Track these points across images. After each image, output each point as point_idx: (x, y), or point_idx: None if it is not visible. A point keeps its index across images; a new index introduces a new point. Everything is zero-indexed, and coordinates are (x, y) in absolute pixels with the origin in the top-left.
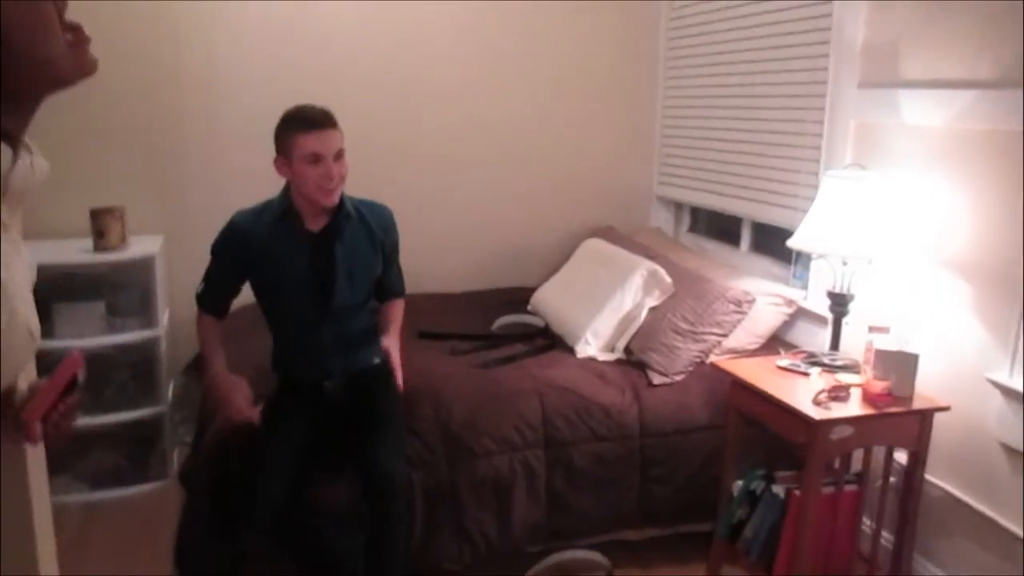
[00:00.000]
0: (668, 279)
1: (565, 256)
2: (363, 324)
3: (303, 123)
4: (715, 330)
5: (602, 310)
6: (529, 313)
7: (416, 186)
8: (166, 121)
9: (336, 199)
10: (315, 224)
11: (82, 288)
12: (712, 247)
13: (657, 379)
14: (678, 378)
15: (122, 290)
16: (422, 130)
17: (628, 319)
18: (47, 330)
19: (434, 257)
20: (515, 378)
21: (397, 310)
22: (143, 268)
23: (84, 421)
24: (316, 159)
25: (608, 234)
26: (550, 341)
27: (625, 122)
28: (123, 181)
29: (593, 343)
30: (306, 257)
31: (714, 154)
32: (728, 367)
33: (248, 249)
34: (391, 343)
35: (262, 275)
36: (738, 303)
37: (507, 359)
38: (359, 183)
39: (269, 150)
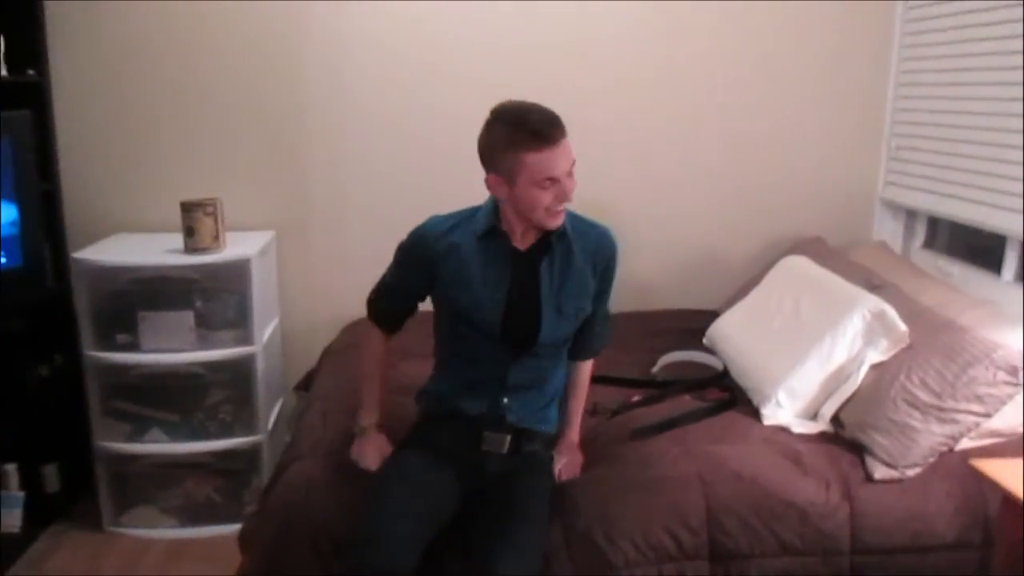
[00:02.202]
0: (902, 325)
1: (758, 275)
2: (554, 376)
3: (534, 139)
4: (973, 407)
5: (803, 361)
6: (704, 349)
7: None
8: (287, 109)
9: (561, 221)
10: (523, 242)
11: (171, 294)
12: (959, 272)
13: (880, 471)
14: (911, 472)
15: (215, 297)
16: (587, 113)
17: (839, 377)
18: (132, 341)
19: None
20: (673, 456)
21: (586, 381)
22: (238, 273)
23: (172, 448)
24: (551, 184)
25: (816, 249)
26: (730, 396)
27: (843, 104)
28: (232, 169)
29: (787, 406)
30: (509, 280)
31: (965, 147)
32: (994, 472)
33: (443, 262)
34: (567, 443)
35: (454, 296)
36: (1012, 370)
37: (665, 425)
38: None
39: (397, 141)
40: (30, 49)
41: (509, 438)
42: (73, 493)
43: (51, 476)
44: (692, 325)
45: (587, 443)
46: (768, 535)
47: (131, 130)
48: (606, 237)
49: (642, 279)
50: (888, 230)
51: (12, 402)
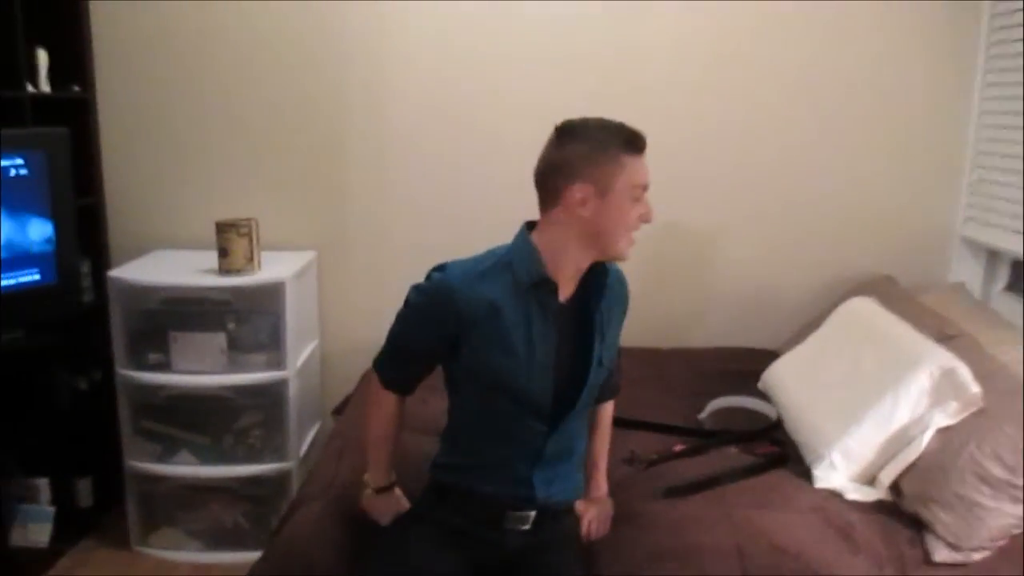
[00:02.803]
0: (974, 386)
1: (821, 315)
2: (584, 436)
3: (632, 143)
4: None
5: (861, 420)
6: (758, 395)
7: None
8: (330, 126)
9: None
10: (565, 291)
11: (204, 315)
12: None
13: (942, 553)
14: (976, 556)
15: (248, 320)
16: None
17: (901, 440)
18: (164, 361)
19: (636, 296)
20: (710, 521)
21: (607, 425)
22: (271, 295)
23: (200, 471)
24: (641, 195)
25: (885, 290)
26: (780, 451)
27: (919, 131)
28: (276, 188)
29: (842, 468)
30: (556, 341)
31: None
32: None
33: (475, 322)
34: (594, 496)
35: (492, 364)
36: None
37: (704, 483)
38: None
39: (440, 160)
40: (75, 65)
41: (534, 514)
42: (105, 509)
43: (85, 491)
44: (747, 367)
45: (618, 496)
46: None
47: (175, 146)
48: (621, 273)
49: (692, 312)
50: (967, 271)
51: (47, 416)
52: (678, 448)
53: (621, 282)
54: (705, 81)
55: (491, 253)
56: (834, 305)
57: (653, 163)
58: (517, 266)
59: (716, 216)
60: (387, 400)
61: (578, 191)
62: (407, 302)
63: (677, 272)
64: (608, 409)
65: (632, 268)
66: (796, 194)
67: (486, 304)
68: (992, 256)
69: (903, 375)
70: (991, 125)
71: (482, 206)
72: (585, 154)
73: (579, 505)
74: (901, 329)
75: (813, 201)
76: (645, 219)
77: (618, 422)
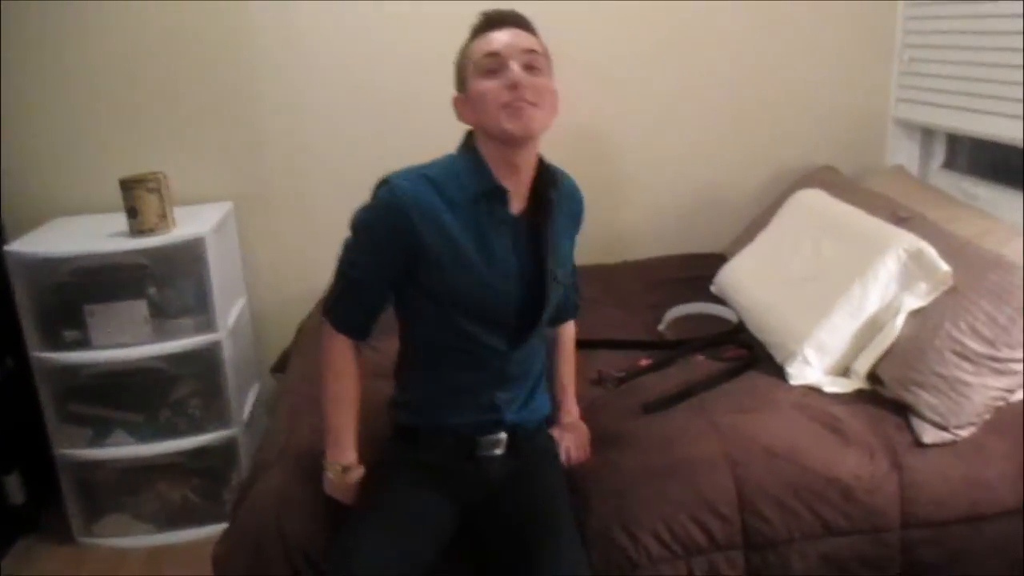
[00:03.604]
0: (943, 265)
1: (766, 212)
2: (543, 354)
3: (477, 27)
4: None
5: (830, 311)
6: (713, 299)
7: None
8: (239, 68)
9: (530, 125)
10: (516, 204)
11: (120, 283)
12: (986, 194)
13: (930, 434)
14: (965, 432)
15: (169, 283)
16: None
17: (874, 327)
18: (81, 338)
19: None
20: (694, 432)
21: (570, 345)
22: (192, 253)
23: (138, 451)
24: (495, 64)
25: (829, 180)
26: (750, 354)
27: (847, 14)
28: (183, 140)
29: (816, 363)
30: (513, 253)
31: (987, 55)
32: None
33: (425, 237)
34: (566, 420)
35: (449, 281)
36: None
37: (682, 395)
38: None
39: (360, 95)
40: None
41: (505, 436)
42: (40, 504)
43: (14, 487)
44: (697, 272)
45: (592, 418)
46: (809, 516)
47: (69, 101)
48: (575, 186)
49: (636, 224)
50: (904, 152)
51: None
52: (645, 363)
53: (573, 196)
54: None
55: (435, 163)
56: (778, 201)
57: (586, 69)
58: (465, 175)
59: (653, 121)
60: (342, 348)
61: (456, 100)
62: (354, 228)
63: (615, 183)
64: (570, 330)
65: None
66: (729, 91)
67: (437, 215)
68: (927, 135)
69: (869, 261)
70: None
71: (410, 144)
72: (456, 64)
73: (553, 433)
74: (857, 216)
75: (747, 96)
76: (513, 88)
77: (579, 343)
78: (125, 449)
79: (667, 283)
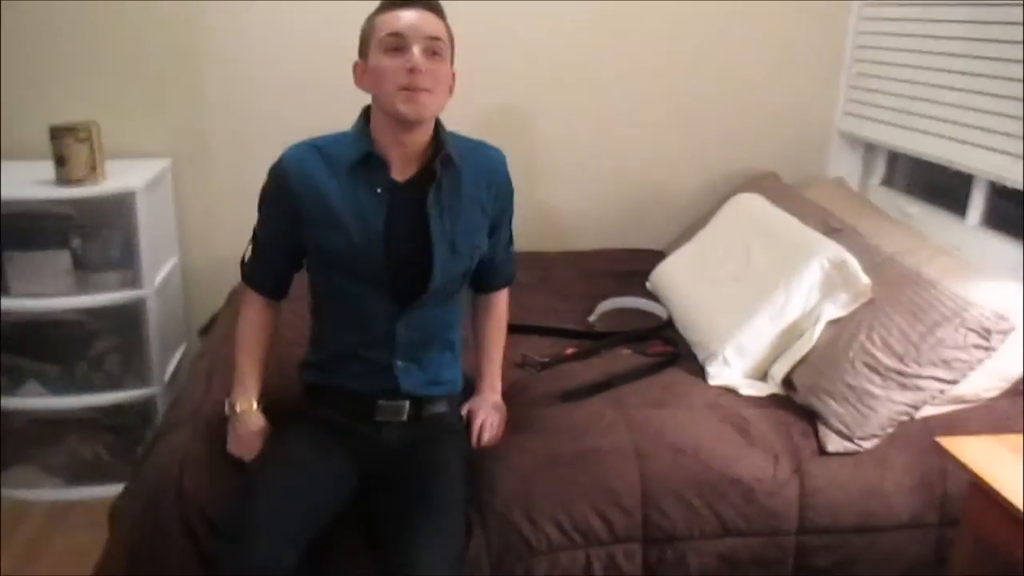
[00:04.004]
0: (864, 277)
1: (707, 213)
2: (451, 326)
3: (385, 3)
4: (939, 372)
5: (753, 315)
6: (648, 295)
7: (499, 94)
8: (181, 19)
9: (423, 112)
10: (403, 172)
11: (43, 232)
12: (920, 213)
13: (834, 443)
14: (867, 444)
15: (95, 236)
16: (513, 26)
17: (793, 333)
18: None
19: (521, 199)
20: (606, 423)
21: (500, 315)
22: (120, 208)
23: (52, 403)
24: (397, 44)
25: (770, 186)
26: (673, 350)
27: (799, 26)
28: (123, 89)
29: (735, 364)
30: (385, 213)
31: (932, 75)
32: (961, 451)
33: (303, 200)
34: (486, 395)
35: (323, 239)
36: (985, 332)
37: (600, 386)
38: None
39: (305, 53)
40: None
41: (407, 404)
42: None
43: None
44: (635, 267)
45: (510, 401)
46: (709, 515)
47: (4, 43)
48: (496, 158)
49: (577, 215)
50: (845, 165)
51: None
52: (570, 351)
53: (487, 167)
54: None
55: (332, 134)
56: (720, 203)
57: (535, 55)
58: (347, 144)
59: (601, 116)
60: (253, 301)
61: (357, 66)
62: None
63: (562, 174)
64: (501, 299)
65: (514, 170)
66: (679, 92)
67: (316, 180)
68: (869, 151)
69: (794, 268)
70: (871, 18)
71: (355, 104)
72: (362, 29)
73: (470, 405)
74: (789, 223)
75: (696, 99)
76: (412, 72)
77: (509, 327)
78: (38, 400)
79: (604, 275)
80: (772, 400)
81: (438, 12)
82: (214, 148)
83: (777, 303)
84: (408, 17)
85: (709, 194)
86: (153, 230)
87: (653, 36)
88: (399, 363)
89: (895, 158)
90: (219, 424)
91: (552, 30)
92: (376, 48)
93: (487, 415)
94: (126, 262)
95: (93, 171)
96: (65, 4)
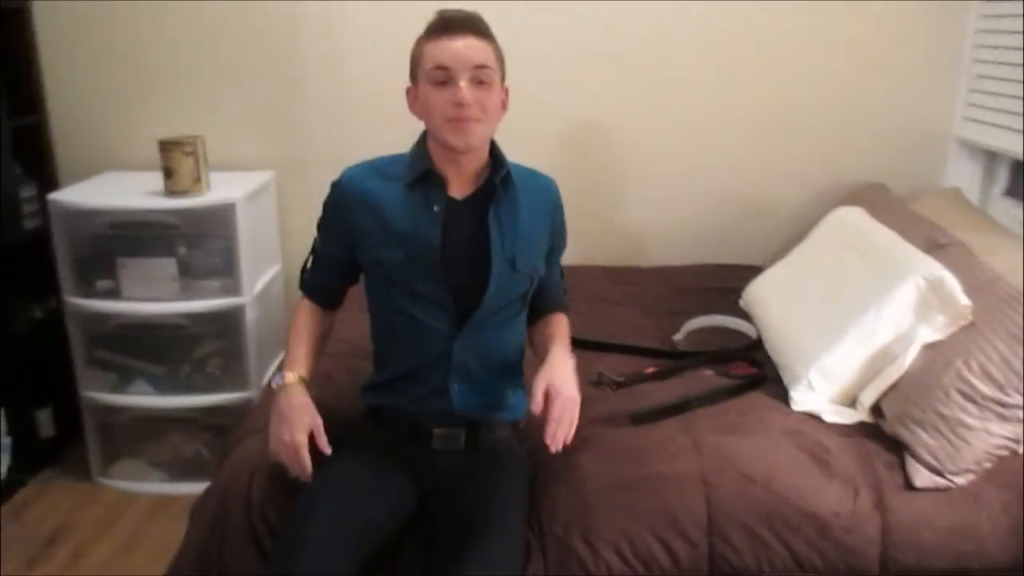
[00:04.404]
0: (963, 298)
1: (809, 227)
2: (511, 349)
3: (434, 28)
4: None
5: (842, 336)
6: (740, 313)
7: (589, 106)
8: (284, 37)
9: (471, 141)
10: (460, 190)
11: (152, 240)
12: None
13: (922, 478)
14: (960, 480)
15: (199, 244)
16: (611, 41)
17: (885, 358)
18: (113, 288)
19: (610, 212)
20: (675, 448)
21: (562, 323)
22: (222, 218)
23: (157, 402)
24: (444, 77)
25: (875, 198)
26: (758, 372)
27: (913, 26)
28: (231, 104)
29: (820, 389)
30: (442, 225)
31: None
32: None
33: (361, 216)
34: (556, 364)
35: (381, 254)
36: None
37: (672, 409)
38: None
39: (402, 66)
40: None
41: (464, 433)
42: (67, 439)
43: (45, 421)
44: (729, 283)
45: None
46: (781, 549)
47: (120, 60)
48: (551, 186)
49: (670, 229)
50: (964, 175)
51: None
52: (650, 371)
53: (546, 191)
54: None
55: (393, 155)
56: (821, 216)
57: (628, 71)
58: (405, 164)
59: (695, 124)
60: (307, 306)
61: (409, 91)
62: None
63: (655, 186)
64: (559, 318)
65: (604, 182)
66: (780, 97)
67: (374, 197)
68: (991, 159)
69: (887, 287)
70: (992, 15)
71: None
72: (411, 54)
73: (541, 380)
74: (888, 239)
75: (799, 104)
76: (457, 104)
77: (585, 344)
78: (145, 398)
79: (694, 292)
80: (858, 429)
81: (484, 34)
82: (314, 161)
83: (867, 325)
84: (453, 48)
85: (813, 206)
86: (254, 239)
87: (750, 37)
88: (455, 385)
89: (1019, 166)
90: None
91: (639, 35)
92: (424, 79)
93: (566, 401)
94: (227, 270)
95: (198, 182)
96: (175, 27)
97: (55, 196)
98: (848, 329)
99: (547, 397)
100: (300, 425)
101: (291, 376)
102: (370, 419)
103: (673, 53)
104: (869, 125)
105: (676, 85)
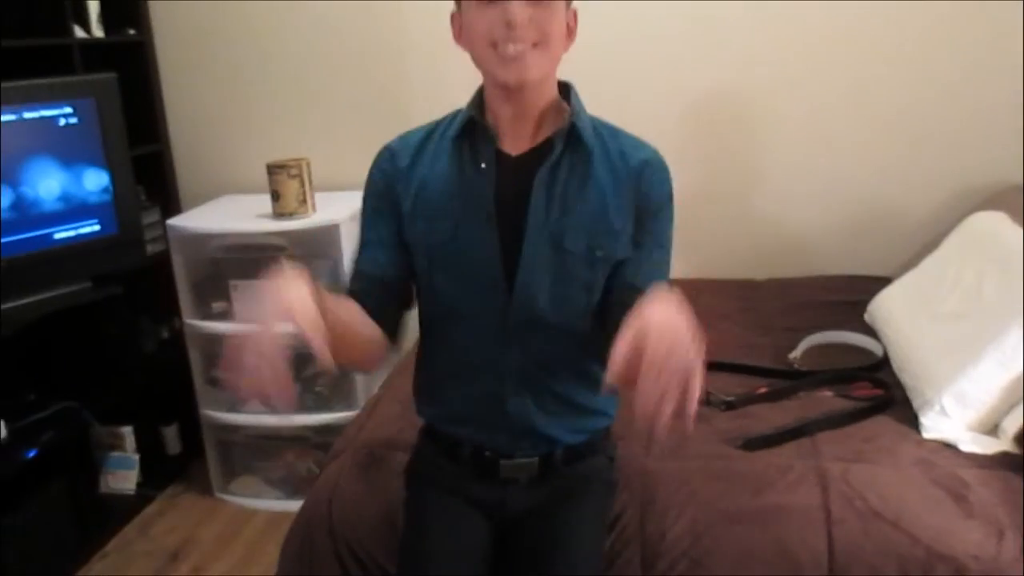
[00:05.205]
0: None
1: (941, 233)
2: (584, 354)
3: None
4: None
5: (979, 357)
6: (864, 328)
7: (711, 104)
8: (389, 59)
9: (526, 74)
10: (517, 144)
11: (262, 261)
12: None
13: None
14: None
15: (306, 265)
16: (737, 39)
17: None
18: (226, 310)
19: (726, 221)
20: (794, 476)
21: None
22: (327, 239)
23: (269, 421)
24: None
25: (1016, 202)
26: (884, 394)
27: None
28: (342, 126)
29: (956, 415)
30: (492, 194)
31: None
32: None
33: (408, 186)
34: (651, 303)
35: (423, 235)
36: None
37: (789, 434)
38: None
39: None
40: (129, 7)
41: (537, 461)
42: (192, 455)
43: (171, 438)
44: (853, 296)
45: (687, 443)
46: None
47: (235, 87)
48: (649, 151)
49: (790, 236)
50: None
51: (126, 366)
52: (762, 390)
53: (642, 162)
54: None
55: (440, 118)
56: (957, 222)
57: (754, 71)
58: (455, 117)
59: (819, 121)
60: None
61: (453, 18)
62: None
63: (773, 188)
64: None
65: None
66: (912, 96)
67: (418, 164)
68: None
69: None
70: None
71: None
72: None
73: (617, 351)
74: None
75: (932, 102)
76: (509, 27)
77: None
78: (258, 417)
79: (816, 306)
80: (1000, 460)
81: None
82: None
83: (1008, 345)
84: None
85: (947, 211)
86: None
87: (879, 36)
88: (512, 398)
89: None
90: (368, 456)
91: (766, 34)
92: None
93: (670, 339)
94: (333, 289)
95: (303, 204)
96: (284, 55)
97: (173, 222)
98: (987, 349)
99: (637, 347)
100: (298, 302)
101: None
102: (431, 444)
103: (799, 53)
104: (1007, 120)
105: (802, 85)
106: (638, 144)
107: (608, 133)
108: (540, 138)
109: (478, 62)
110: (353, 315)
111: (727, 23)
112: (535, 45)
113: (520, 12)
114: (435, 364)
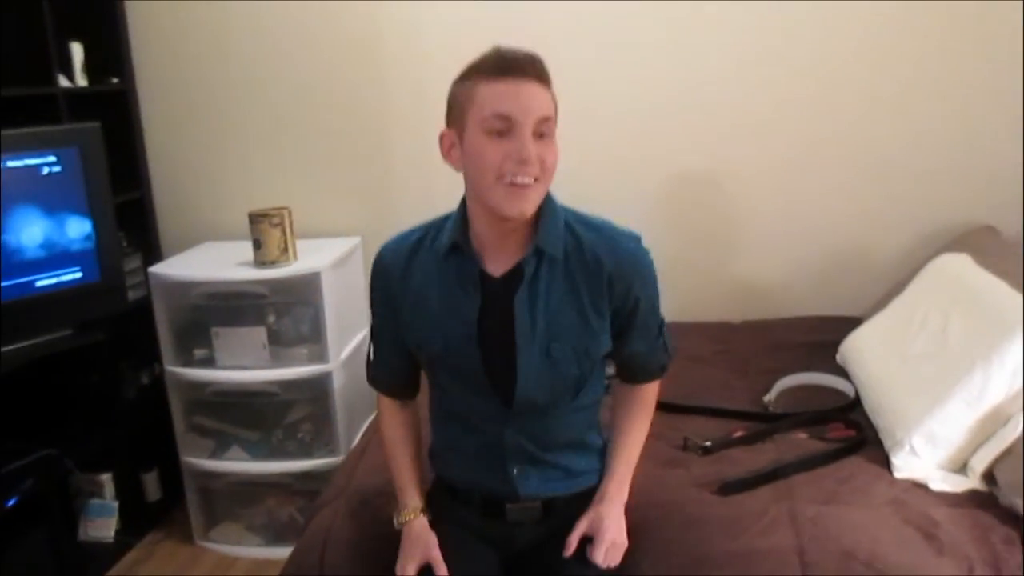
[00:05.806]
0: None
1: (911, 275)
2: (578, 430)
3: (492, 67)
4: None
5: (946, 398)
6: (837, 370)
7: (681, 158)
8: (372, 107)
9: (529, 208)
10: (501, 264)
11: (244, 309)
12: None
13: None
14: None
15: (287, 313)
16: (700, 80)
17: (996, 419)
18: (209, 357)
19: (703, 265)
20: (769, 520)
21: (644, 408)
22: (309, 287)
23: (251, 467)
24: (503, 127)
25: (983, 243)
26: (857, 435)
27: (1020, 65)
28: (320, 174)
29: (925, 455)
30: (478, 311)
31: None
32: None
33: (399, 298)
34: (608, 509)
35: (420, 334)
36: None
37: (762, 477)
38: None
39: None
40: (113, 57)
41: (539, 505)
42: (172, 502)
43: (151, 484)
44: (827, 337)
45: (665, 489)
46: None
47: (217, 136)
48: (626, 244)
49: (766, 281)
50: None
51: (106, 412)
52: (738, 434)
53: (618, 257)
54: (781, 24)
55: (439, 218)
56: (925, 264)
57: (722, 121)
58: (446, 230)
59: (787, 166)
60: (387, 404)
61: (444, 136)
62: None
63: (746, 234)
64: (647, 391)
65: (702, 234)
66: (882, 137)
67: (412, 277)
68: None
69: (996, 344)
70: None
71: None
72: (451, 91)
73: (594, 516)
74: (996, 289)
75: (899, 141)
76: (519, 162)
77: (670, 407)
78: (240, 464)
79: (791, 347)
80: (970, 498)
81: (547, 81)
82: (400, 226)
83: (974, 385)
84: (517, 95)
85: (916, 252)
86: (340, 306)
87: (850, 78)
88: (514, 470)
89: None
90: (358, 504)
91: (734, 83)
92: (475, 127)
93: (615, 536)
94: (315, 337)
95: (285, 253)
96: (266, 105)
97: (155, 269)
98: (954, 389)
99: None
100: (411, 555)
101: (407, 513)
102: (445, 491)
103: (768, 99)
104: (975, 162)
105: (771, 131)
106: (613, 241)
107: (584, 229)
108: (521, 255)
109: (478, 190)
110: (416, 452)
111: (701, 73)
112: (536, 180)
113: (531, 150)
114: (445, 434)
